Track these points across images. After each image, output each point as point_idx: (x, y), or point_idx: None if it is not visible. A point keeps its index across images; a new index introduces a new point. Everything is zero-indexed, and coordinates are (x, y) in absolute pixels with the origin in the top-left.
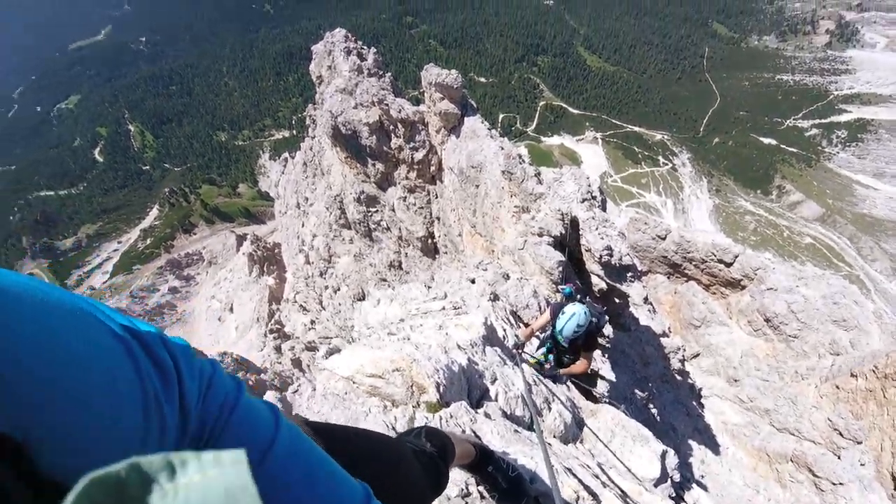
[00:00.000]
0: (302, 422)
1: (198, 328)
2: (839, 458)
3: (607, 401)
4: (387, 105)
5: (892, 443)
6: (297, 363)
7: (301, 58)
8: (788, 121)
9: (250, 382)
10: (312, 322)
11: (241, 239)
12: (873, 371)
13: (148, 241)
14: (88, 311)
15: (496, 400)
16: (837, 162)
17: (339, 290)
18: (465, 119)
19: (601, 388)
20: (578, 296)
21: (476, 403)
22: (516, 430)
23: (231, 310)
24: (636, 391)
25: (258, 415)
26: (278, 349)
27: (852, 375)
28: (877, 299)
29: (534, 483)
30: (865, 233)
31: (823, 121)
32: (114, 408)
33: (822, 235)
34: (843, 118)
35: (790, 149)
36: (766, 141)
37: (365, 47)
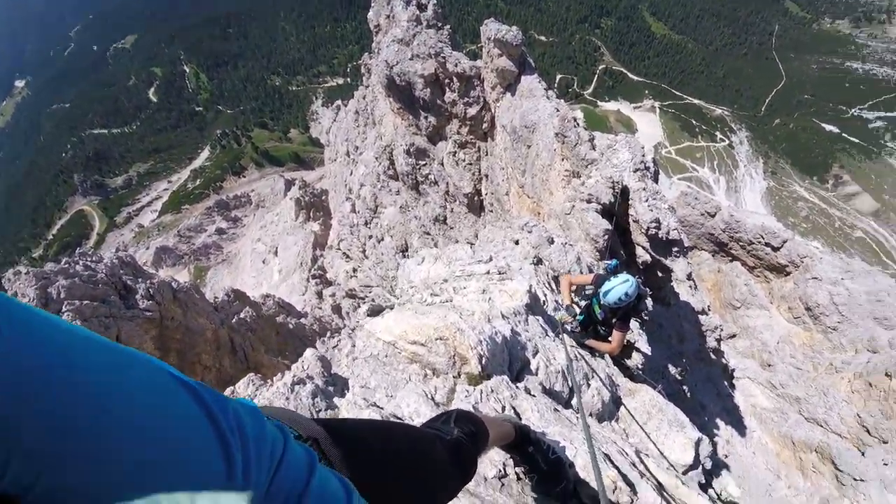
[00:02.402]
0: (322, 429)
1: (242, 269)
2: (863, 454)
3: (640, 372)
4: (443, 58)
5: None
6: (337, 309)
7: (359, 5)
8: (853, 110)
9: (290, 326)
10: (354, 270)
11: (289, 183)
12: None
13: (198, 182)
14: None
15: (537, 374)
16: None
17: (382, 240)
18: (522, 77)
19: (636, 360)
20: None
21: (516, 376)
22: (556, 409)
23: (275, 253)
24: (669, 366)
25: (330, 495)
26: (320, 294)
27: (887, 375)
28: None
29: (571, 468)
30: None
31: (890, 114)
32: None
33: (874, 231)
34: None
35: (852, 139)
36: (828, 128)
37: None
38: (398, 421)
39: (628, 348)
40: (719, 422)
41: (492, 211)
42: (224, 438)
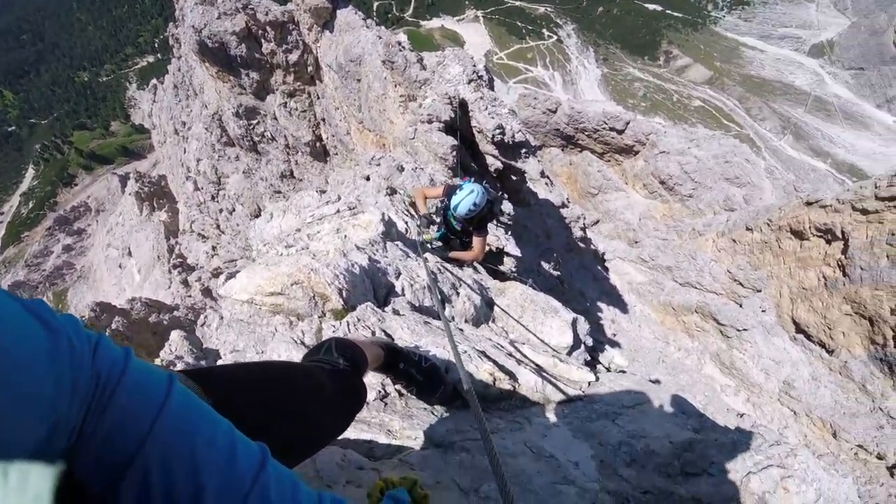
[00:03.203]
0: (185, 377)
1: (100, 281)
2: (741, 306)
3: (514, 274)
4: (252, 9)
5: (789, 290)
6: (207, 293)
7: None
8: None
9: (165, 322)
10: (214, 248)
11: (124, 179)
12: (768, 224)
13: (30, 205)
14: None
15: (403, 294)
16: (724, 25)
17: (234, 210)
18: (338, 11)
19: (508, 264)
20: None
21: (383, 301)
22: (427, 322)
23: (129, 254)
24: (542, 263)
25: (150, 378)
26: (185, 283)
27: (748, 229)
28: (767, 157)
29: (449, 372)
30: (753, 93)
31: None
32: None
33: (712, 97)
34: None
35: (675, 14)
36: (651, 7)
37: None
38: (264, 361)
39: (499, 254)
40: (601, 304)
41: (337, 154)
42: (43, 319)
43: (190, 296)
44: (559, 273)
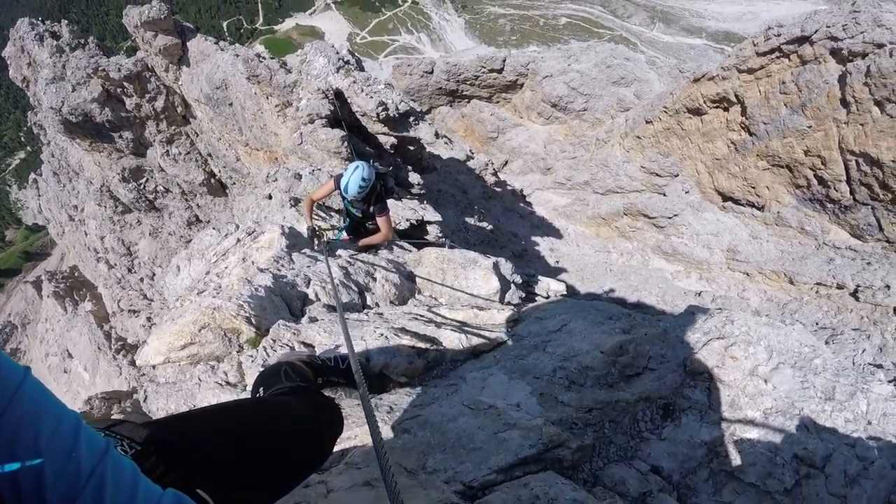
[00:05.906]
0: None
1: (52, 392)
2: (664, 195)
3: (443, 240)
4: (104, 70)
5: (704, 165)
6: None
7: None
8: None
9: (129, 410)
10: (149, 319)
11: (37, 284)
12: (664, 111)
13: None
14: None
15: (318, 299)
16: None
17: (154, 275)
18: (188, 44)
19: (432, 232)
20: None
21: (301, 312)
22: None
23: (70, 355)
24: (467, 219)
25: (8, 365)
26: (133, 363)
27: (648, 122)
28: (645, 49)
29: (370, 361)
30: None
31: None
32: None
33: (576, 10)
34: None
35: None
36: None
37: (56, 24)
38: (233, 400)
39: (420, 226)
40: (535, 238)
41: (234, 183)
42: None
43: (144, 374)
44: (487, 223)
